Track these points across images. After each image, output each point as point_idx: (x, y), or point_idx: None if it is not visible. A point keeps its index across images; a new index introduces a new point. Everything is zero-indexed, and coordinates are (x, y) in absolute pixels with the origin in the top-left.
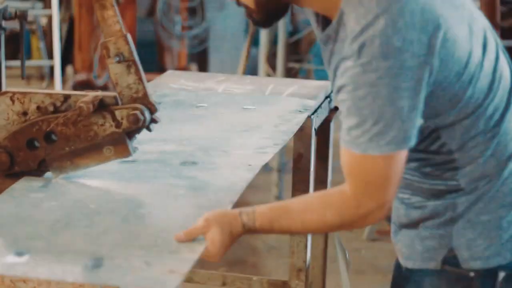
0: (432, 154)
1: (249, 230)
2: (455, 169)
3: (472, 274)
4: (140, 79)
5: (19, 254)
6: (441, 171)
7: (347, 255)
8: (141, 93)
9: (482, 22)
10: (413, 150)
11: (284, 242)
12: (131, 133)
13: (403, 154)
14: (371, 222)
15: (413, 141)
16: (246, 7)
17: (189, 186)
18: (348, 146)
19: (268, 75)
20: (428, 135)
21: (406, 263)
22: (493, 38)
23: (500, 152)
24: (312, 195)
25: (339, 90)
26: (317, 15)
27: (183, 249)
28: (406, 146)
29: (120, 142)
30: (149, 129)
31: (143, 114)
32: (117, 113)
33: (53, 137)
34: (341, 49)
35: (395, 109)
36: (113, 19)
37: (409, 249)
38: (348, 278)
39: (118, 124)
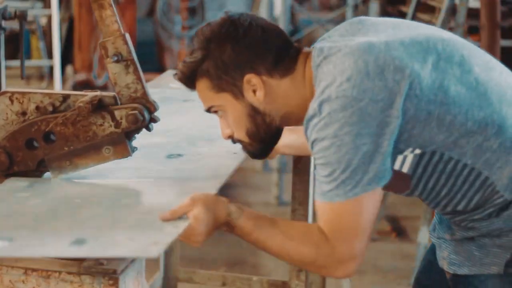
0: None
1: (229, 223)
2: (492, 185)
3: None
4: (138, 78)
5: (4, 239)
6: (483, 199)
7: None
8: (140, 92)
9: (445, 44)
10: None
11: None
12: (130, 133)
13: (371, 196)
14: (341, 273)
15: (382, 183)
16: (241, 142)
17: (175, 178)
18: (317, 197)
19: None
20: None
21: (457, 270)
22: (465, 52)
23: None
24: (299, 223)
25: (311, 147)
26: None
27: (166, 226)
28: (371, 188)
29: (119, 142)
30: (148, 129)
31: (142, 114)
32: (116, 113)
33: (52, 137)
34: (307, 113)
35: (360, 155)
36: (111, 19)
37: (462, 256)
38: (349, 278)
39: (117, 124)
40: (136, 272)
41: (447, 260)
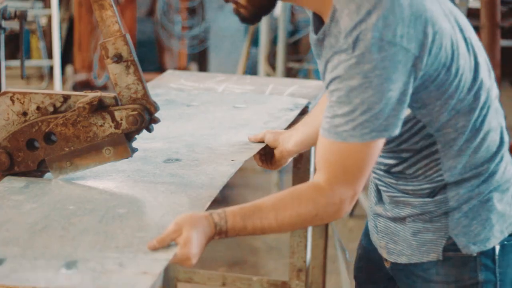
0: (415, 152)
1: (221, 231)
2: (439, 165)
3: (475, 254)
4: (139, 79)
5: None
6: (424, 169)
7: (347, 255)
8: (140, 93)
9: (461, 19)
10: (397, 151)
11: (284, 242)
12: (130, 134)
13: (381, 143)
14: (342, 213)
15: (395, 132)
16: (235, 2)
17: (171, 183)
18: (328, 135)
19: (268, 75)
20: (412, 128)
21: (397, 259)
22: (472, 36)
23: (486, 146)
24: (283, 192)
25: (331, 81)
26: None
27: (158, 250)
28: (386, 135)
29: (119, 143)
30: (148, 130)
31: (142, 114)
32: (116, 113)
33: (53, 137)
34: (333, 43)
35: (384, 100)
36: (111, 19)
37: (400, 245)
38: (349, 278)
39: (117, 125)
40: None
41: (385, 250)
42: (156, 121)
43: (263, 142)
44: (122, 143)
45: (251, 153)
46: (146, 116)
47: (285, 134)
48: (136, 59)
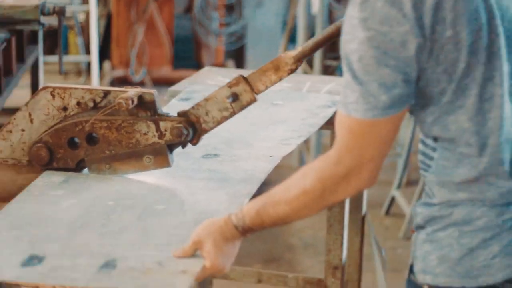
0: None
1: (245, 230)
2: (431, 173)
3: (425, 287)
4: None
5: (35, 259)
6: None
7: (383, 254)
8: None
9: None
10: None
11: (320, 239)
12: (172, 146)
13: (389, 119)
14: (354, 185)
15: (399, 109)
16: None
17: (209, 179)
18: (338, 105)
19: (305, 73)
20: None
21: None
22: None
23: (465, 174)
24: (293, 176)
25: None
26: None
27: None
28: (390, 113)
29: (160, 153)
30: (193, 143)
31: (187, 128)
32: (161, 124)
33: (95, 139)
34: None
35: (380, 74)
36: None
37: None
38: (384, 276)
39: (161, 135)
40: None
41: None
42: (199, 138)
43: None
44: (164, 153)
45: (289, 149)
46: (191, 131)
47: None
48: None
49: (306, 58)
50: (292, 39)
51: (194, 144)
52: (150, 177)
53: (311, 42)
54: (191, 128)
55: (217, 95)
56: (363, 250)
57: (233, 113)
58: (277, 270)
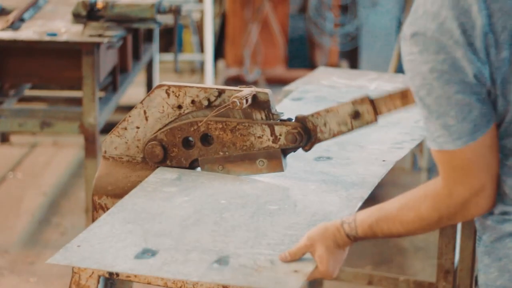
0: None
1: (356, 239)
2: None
3: None
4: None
5: (148, 252)
6: None
7: None
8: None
9: None
10: None
11: (432, 242)
12: (286, 150)
13: (481, 141)
14: (471, 213)
15: (486, 128)
16: None
17: (321, 181)
18: (428, 143)
19: None
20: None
21: None
22: None
23: None
24: (407, 194)
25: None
26: None
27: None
28: (479, 135)
29: (274, 157)
30: (305, 149)
31: (301, 134)
32: (276, 128)
33: (210, 139)
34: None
35: (453, 102)
36: None
37: None
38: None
39: (275, 139)
40: None
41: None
42: (313, 144)
43: None
44: (277, 158)
45: (403, 153)
46: (305, 137)
47: None
48: None
49: None
50: None
51: (306, 151)
52: (262, 178)
53: None
54: (306, 134)
55: (339, 109)
56: (475, 255)
57: (351, 129)
58: (387, 272)
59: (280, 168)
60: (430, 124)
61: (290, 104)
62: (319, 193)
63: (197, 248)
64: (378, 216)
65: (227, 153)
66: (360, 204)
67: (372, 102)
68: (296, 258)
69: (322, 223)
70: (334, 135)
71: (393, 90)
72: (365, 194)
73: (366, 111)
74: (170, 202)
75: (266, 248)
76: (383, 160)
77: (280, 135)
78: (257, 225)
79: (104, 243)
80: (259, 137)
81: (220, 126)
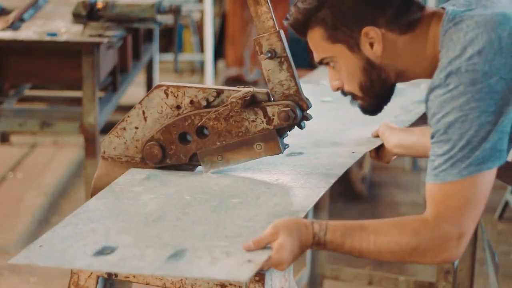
0: None
1: (318, 242)
2: None
3: None
4: (292, 75)
5: (108, 249)
6: None
7: (496, 258)
8: (292, 89)
9: None
10: None
11: None
12: (282, 130)
13: (484, 177)
14: (446, 254)
15: (497, 163)
16: (353, 95)
17: (288, 174)
18: (428, 178)
19: None
20: None
21: None
22: None
23: None
24: (390, 219)
25: (430, 119)
26: None
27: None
28: (486, 168)
29: (271, 139)
30: (300, 126)
31: (294, 111)
32: (268, 109)
33: (205, 131)
34: (431, 82)
35: (482, 133)
36: (266, 15)
37: None
38: (497, 281)
39: (269, 121)
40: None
41: None
42: (307, 118)
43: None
44: (274, 139)
45: (374, 145)
46: (298, 113)
47: (393, 132)
48: (289, 55)
49: None
50: None
51: (302, 128)
52: (230, 174)
53: None
54: (299, 110)
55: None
56: (475, 255)
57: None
58: (387, 272)
59: (278, 149)
60: (442, 157)
61: None
62: (283, 185)
63: (155, 244)
64: (353, 228)
65: (224, 142)
66: (322, 194)
67: (277, 33)
68: (259, 246)
69: (292, 217)
70: None
71: None
72: (328, 184)
73: (278, 46)
74: (135, 201)
75: (224, 241)
76: (353, 152)
77: (273, 115)
78: (218, 219)
79: (66, 242)
80: (253, 121)
81: (214, 116)
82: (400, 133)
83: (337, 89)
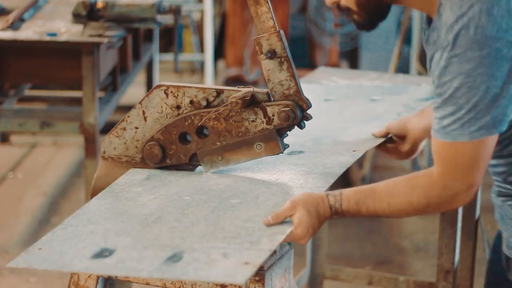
0: None
1: (336, 212)
2: None
3: None
4: (292, 75)
5: (106, 251)
6: None
7: None
8: (293, 89)
9: None
10: (502, 155)
11: (432, 243)
12: (282, 130)
13: (492, 139)
14: (457, 205)
15: (503, 128)
16: (348, 9)
17: (288, 174)
18: (438, 135)
19: (420, 74)
20: None
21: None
22: None
23: None
24: (399, 178)
25: (434, 81)
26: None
27: (264, 239)
28: (496, 132)
29: (271, 139)
30: (300, 126)
31: (294, 111)
32: (268, 109)
33: (205, 131)
34: (435, 39)
35: (490, 97)
36: (266, 15)
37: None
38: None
39: (269, 121)
40: (284, 269)
41: (505, 243)
42: (307, 118)
43: (387, 135)
44: (274, 139)
45: (375, 143)
46: (298, 113)
47: (413, 120)
48: (289, 55)
49: None
50: (407, 40)
51: (302, 128)
52: (231, 174)
53: None
54: (299, 109)
55: None
56: (475, 255)
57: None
58: (387, 272)
59: (278, 149)
60: (450, 118)
61: None
62: (283, 185)
63: (154, 245)
64: (366, 195)
65: (224, 142)
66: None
67: (277, 33)
68: (278, 221)
69: (306, 192)
70: None
71: None
72: (328, 184)
73: (278, 46)
74: (135, 202)
75: (222, 242)
76: (354, 151)
77: (273, 115)
78: (217, 220)
79: (65, 244)
80: (253, 121)
81: (214, 116)
82: (419, 118)
83: (333, 2)
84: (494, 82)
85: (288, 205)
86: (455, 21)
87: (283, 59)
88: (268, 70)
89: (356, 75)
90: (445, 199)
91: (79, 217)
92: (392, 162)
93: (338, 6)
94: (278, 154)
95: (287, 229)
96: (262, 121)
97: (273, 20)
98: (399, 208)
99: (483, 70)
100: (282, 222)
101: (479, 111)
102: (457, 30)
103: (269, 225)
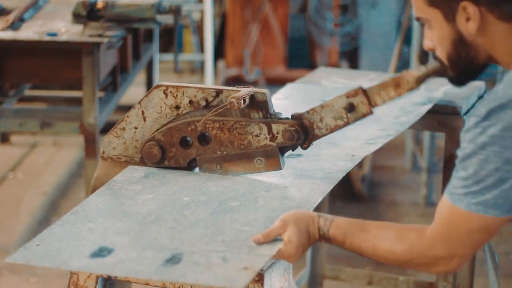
0: None
1: (323, 237)
2: None
3: None
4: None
5: (105, 250)
6: None
7: (496, 259)
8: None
9: None
10: None
11: None
12: (284, 148)
13: (492, 220)
14: (437, 270)
15: (506, 213)
16: (441, 62)
17: (286, 177)
18: (446, 192)
19: None
20: None
21: None
22: None
23: None
24: (393, 224)
25: (463, 137)
26: None
27: (262, 244)
28: (493, 213)
29: (272, 156)
30: (303, 147)
31: (299, 132)
32: (273, 126)
33: (207, 139)
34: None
35: (498, 179)
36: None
37: None
38: (497, 282)
39: (272, 138)
40: (283, 269)
41: None
42: (311, 142)
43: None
44: (275, 156)
45: (374, 148)
46: (302, 134)
47: None
48: None
49: (428, 79)
50: (407, 40)
51: (305, 149)
52: (229, 175)
53: (436, 64)
54: (303, 132)
55: (334, 104)
56: (475, 255)
57: (347, 123)
58: (387, 272)
59: (278, 166)
60: (460, 181)
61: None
62: (282, 188)
63: (153, 246)
64: (356, 230)
65: (224, 152)
66: (320, 199)
67: (365, 93)
68: (268, 240)
69: (298, 210)
70: (331, 130)
71: (386, 80)
72: (327, 189)
73: (360, 103)
74: (134, 200)
75: (221, 245)
76: (352, 155)
77: (277, 133)
78: (216, 222)
79: (63, 241)
80: (256, 136)
81: (218, 125)
82: None
83: (429, 49)
84: (505, 166)
85: (279, 223)
86: (493, 97)
87: None
88: None
89: (356, 75)
90: (427, 260)
91: (77, 214)
92: (392, 162)
93: (434, 55)
94: (277, 170)
95: (278, 245)
96: (266, 137)
97: None
98: (381, 254)
99: (497, 149)
100: (273, 240)
101: (485, 187)
102: (494, 106)
103: (259, 243)
